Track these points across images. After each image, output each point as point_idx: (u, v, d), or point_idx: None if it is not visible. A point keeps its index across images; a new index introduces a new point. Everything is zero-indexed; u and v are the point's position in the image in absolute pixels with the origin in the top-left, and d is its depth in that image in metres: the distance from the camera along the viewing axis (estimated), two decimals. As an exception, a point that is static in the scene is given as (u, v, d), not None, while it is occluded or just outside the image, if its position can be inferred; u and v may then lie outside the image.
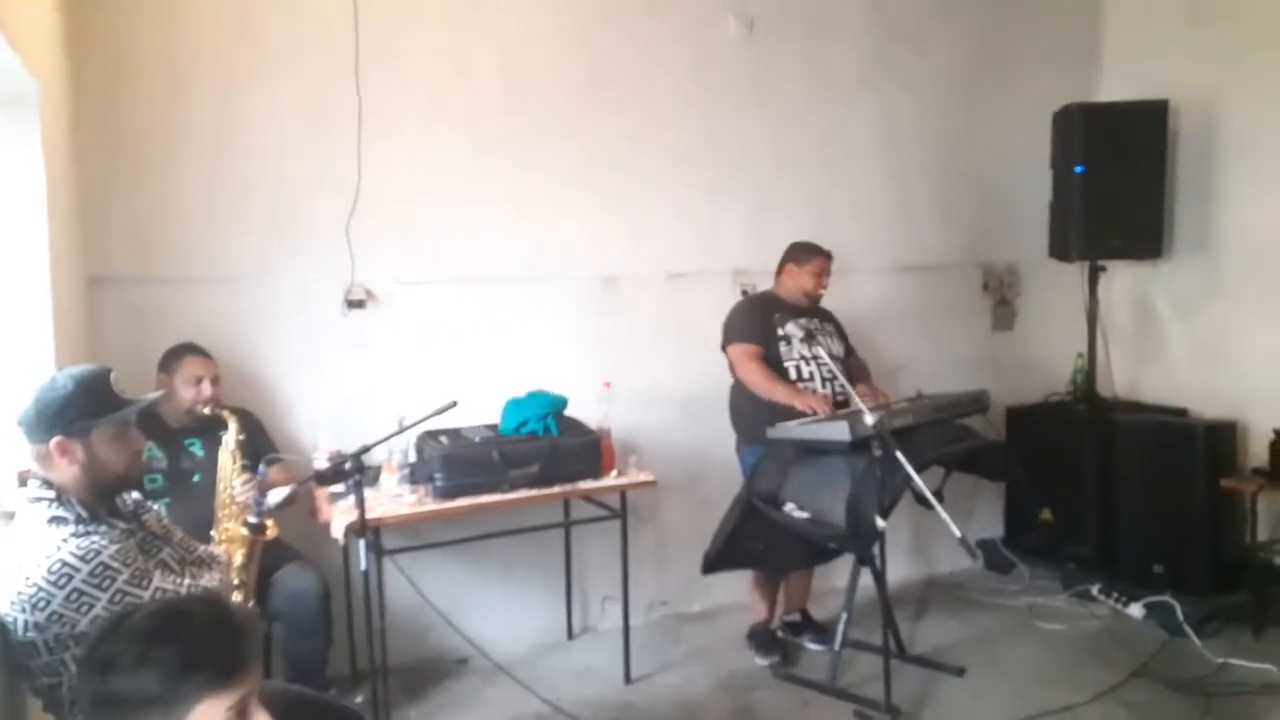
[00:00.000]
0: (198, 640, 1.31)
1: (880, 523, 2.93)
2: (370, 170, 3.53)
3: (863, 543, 3.16)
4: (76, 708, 1.76)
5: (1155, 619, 3.86)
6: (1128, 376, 4.73)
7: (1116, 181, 4.28)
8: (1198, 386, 4.43)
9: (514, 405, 3.47)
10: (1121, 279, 4.69)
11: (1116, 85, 4.73)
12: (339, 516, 3.04)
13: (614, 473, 3.49)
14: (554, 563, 3.91)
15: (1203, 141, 4.44)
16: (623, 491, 3.48)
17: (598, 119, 3.95)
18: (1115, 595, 4.05)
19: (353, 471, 2.76)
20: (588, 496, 3.51)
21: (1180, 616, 3.76)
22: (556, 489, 3.36)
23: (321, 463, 3.18)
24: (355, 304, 3.58)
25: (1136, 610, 3.95)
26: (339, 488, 3.12)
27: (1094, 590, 4.14)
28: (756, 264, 4.06)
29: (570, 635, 3.97)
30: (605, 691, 3.48)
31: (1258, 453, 3.93)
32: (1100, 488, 4.26)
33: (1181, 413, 4.38)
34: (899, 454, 2.77)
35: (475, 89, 3.74)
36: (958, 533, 2.64)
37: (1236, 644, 3.65)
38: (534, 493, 3.32)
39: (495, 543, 3.48)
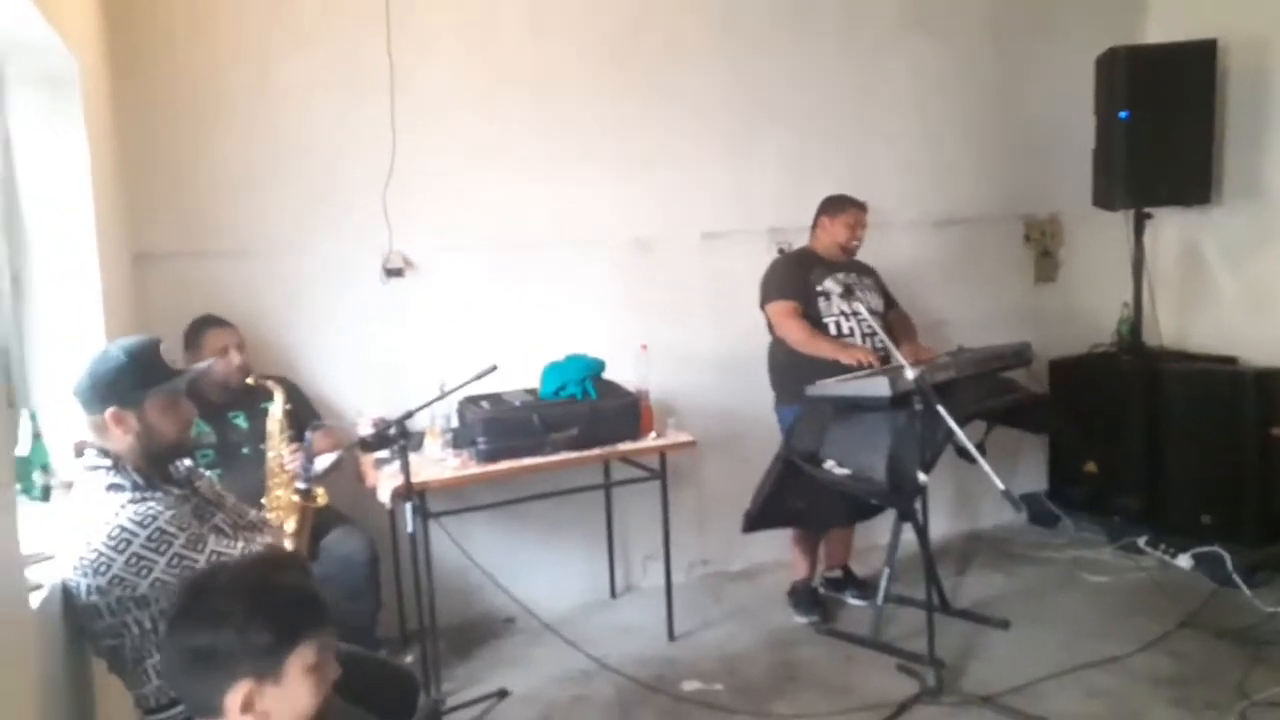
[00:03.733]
0: (296, 589, 1.40)
1: (922, 478, 2.92)
2: (404, 139, 3.55)
3: (904, 498, 3.16)
4: (153, 668, 1.83)
5: (1204, 569, 3.82)
6: (1175, 326, 4.64)
7: (1163, 126, 4.17)
8: (1248, 334, 4.33)
9: (552, 369, 3.50)
10: (1168, 226, 4.58)
11: (1163, 26, 4.59)
12: (384, 481, 3.10)
13: (653, 434, 3.51)
14: (596, 523, 3.95)
15: (1253, 83, 4.31)
16: (662, 452, 3.50)
17: (628, 80, 3.92)
18: (1162, 547, 4.01)
19: (397, 437, 2.81)
20: (627, 458, 3.54)
21: (1229, 566, 3.71)
22: (596, 451, 3.40)
23: (366, 429, 3.24)
24: (394, 272, 3.62)
25: (1184, 561, 3.91)
26: (384, 453, 3.19)
27: (1140, 542, 4.10)
28: (791, 221, 4.02)
29: (613, 594, 4.02)
30: (649, 648, 3.53)
31: (1311, 400, 3.85)
32: (1146, 439, 4.19)
33: (1231, 361, 4.29)
34: (940, 408, 2.75)
35: (504, 53, 3.73)
36: (1000, 485, 2.63)
37: (1288, 593, 3.61)
38: (574, 455, 3.36)
39: (538, 504, 3.53)
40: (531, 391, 3.51)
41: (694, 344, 4.03)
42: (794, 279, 3.59)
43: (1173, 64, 4.21)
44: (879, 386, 3.00)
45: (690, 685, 3.24)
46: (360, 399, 3.52)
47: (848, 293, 3.43)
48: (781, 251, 4.03)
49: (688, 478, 4.05)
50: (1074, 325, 4.68)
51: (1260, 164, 4.32)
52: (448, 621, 3.47)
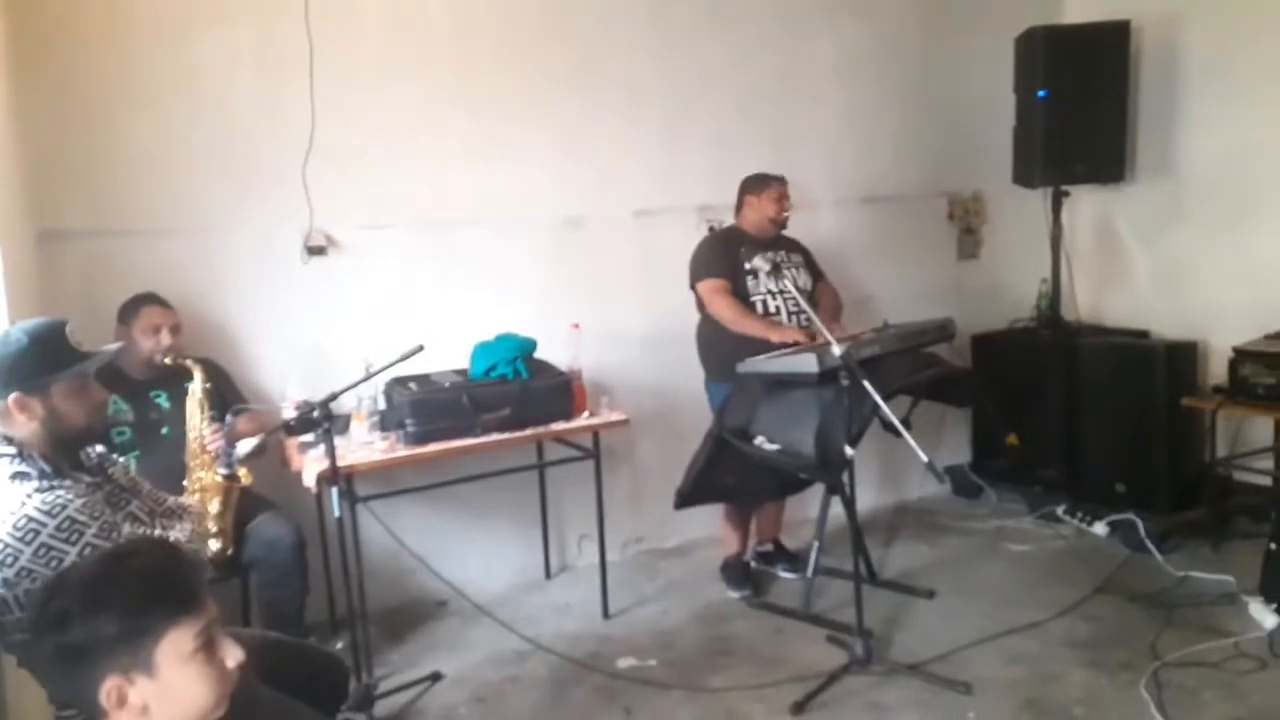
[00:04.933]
0: (146, 575, 1.32)
1: (849, 451, 2.96)
2: (324, 116, 3.45)
3: (832, 472, 3.21)
4: (37, 672, 1.76)
5: (1118, 536, 3.97)
6: (1091, 300, 4.79)
7: (1079, 105, 4.27)
8: (1160, 308, 4.50)
9: (482, 349, 3.46)
10: (1085, 204, 4.70)
11: (1080, 6, 4.69)
12: (310, 465, 3.04)
13: (586, 413, 3.50)
14: (530, 504, 3.94)
15: (1165, 63, 4.44)
16: (595, 432, 3.50)
17: (558, 58, 3.88)
18: (1080, 515, 4.15)
19: (321, 420, 2.75)
20: (560, 438, 3.53)
21: (1142, 533, 3.85)
22: (528, 431, 3.38)
23: (289, 412, 3.16)
24: (316, 250, 3.53)
25: (1100, 529, 4.05)
26: (308, 437, 3.12)
27: (1059, 511, 4.24)
28: (721, 199, 4.01)
29: (548, 575, 4.02)
30: (584, 626, 3.54)
31: (1217, 371, 4.00)
32: (1065, 411, 4.33)
33: (1144, 334, 4.46)
34: (866, 383, 2.79)
35: (429, 31, 3.66)
36: (924, 457, 2.68)
37: (1196, 557, 3.75)
38: (506, 436, 3.33)
39: (471, 486, 3.49)
40: (461, 372, 3.47)
41: (626, 322, 4.02)
42: (722, 257, 3.61)
43: (1089, 44, 4.32)
44: (807, 363, 3.02)
45: (624, 662, 3.25)
46: (284, 381, 3.43)
47: (775, 271, 3.46)
48: (712, 229, 4.04)
49: (621, 456, 4.05)
50: (995, 301, 4.79)
51: (1171, 142, 4.46)
52: (379, 605, 3.42)
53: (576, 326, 3.63)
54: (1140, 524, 3.88)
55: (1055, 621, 3.35)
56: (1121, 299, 4.72)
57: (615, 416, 3.54)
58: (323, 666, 2.27)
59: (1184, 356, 4.12)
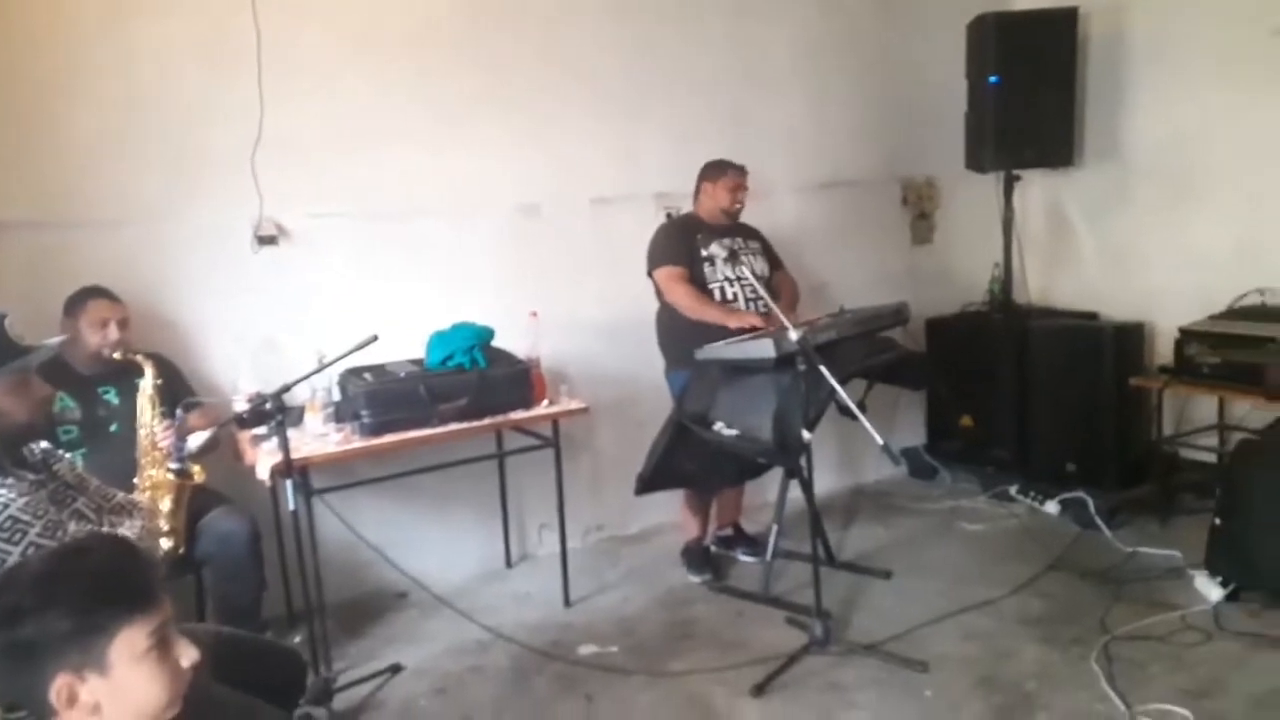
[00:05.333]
0: (100, 572, 1.30)
1: (806, 435, 2.99)
2: (273, 104, 3.38)
3: (790, 455, 3.23)
4: None
5: (1069, 514, 4.06)
6: (1042, 283, 4.87)
7: (1029, 91, 4.33)
8: (1107, 290, 4.59)
9: (438, 338, 3.43)
10: (1035, 188, 4.77)
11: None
12: (263, 458, 2.99)
13: (545, 402, 3.49)
14: (489, 494, 3.92)
15: (1112, 49, 4.51)
16: (555, 420, 3.49)
17: (512, 44, 3.84)
18: (1032, 494, 4.24)
19: (274, 412, 2.71)
20: (519, 427, 3.51)
21: (1092, 511, 3.94)
22: (487, 421, 3.35)
23: (241, 405, 3.11)
24: (266, 240, 3.47)
25: (1052, 507, 4.14)
26: (261, 429, 3.07)
27: (1012, 491, 4.32)
28: (679, 186, 4.03)
29: (509, 564, 4.01)
30: (545, 615, 3.54)
31: (1164, 351, 4.09)
32: (1017, 392, 4.41)
33: (1093, 316, 4.54)
34: (823, 368, 2.81)
35: (380, 17, 3.59)
36: (880, 440, 2.71)
37: (1144, 533, 3.85)
38: (463, 426, 3.30)
39: (429, 477, 3.46)
40: (417, 362, 3.44)
41: (585, 310, 4.01)
42: (679, 245, 3.61)
43: (1038, 30, 4.37)
44: (764, 349, 3.04)
45: (586, 649, 3.26)
46: (236, 373, 3.38)
47: (732, 257, 3.46)
48: (669, 216, 4.04)
49: (581, 444, 4.04)
50: (948, 285, 4.86)
51: (1118, 127, 4.54)
52: (337, 598, 3.39)
53: (534, 314, 3.61)
54: (1090, 502, 3.97)
55: (1009, 599, 3.42)
56: (1071, 281, 4.80)
57: (575, 405, 3.53)
58: (280, 661, 2.24)
59: (1131, 337, 4.21)
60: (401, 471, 3.35)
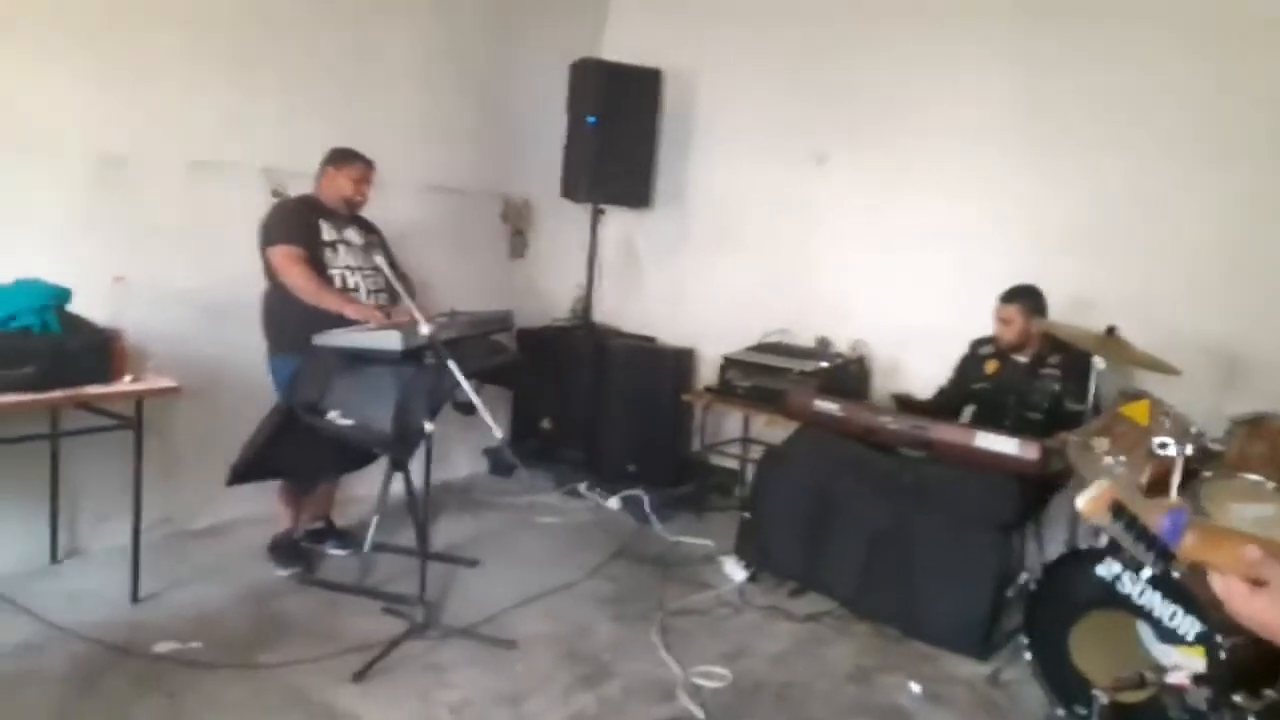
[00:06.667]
0: None
1: (428, 425, 3.10)
2: None
3: (407, 448, 3.31)
4: None
5: (629, 509, 4.62)
6: (614, 306, 5.47)
7: (620, 135, 4.90)
8: (665, 318, 5.30)
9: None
10: (615, 222, 5.37)
11: (616, 47, 5.30)
12: None
13: (128, 377, 3.16)
14: (34, 479, 3.42)
15: (684, 109, 5.27)
16: (139, 399, 3.18)
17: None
18: (598, 491, 4.75)
19: None
20: (93, 404, 3.14)
21: (647, 506, 4.54)
22: (58, 393, 2.97)
23: None
24: None
25: (615, 502, 4.69)
26: None
27: (581, 488, 4.80)
28: (289, 163, 3.90)
29: (55, 559, 3.53)
30: (110, 613, 3.20)
31: (708, 374, 4.86)
32: (591, 401, 4.92)
33: (651, 340, 5.22)
34: (451, 363, 2.95)
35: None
36: (499, 434, 2.93)
37: (686, 526, 4.52)
38: (28, 397, 2.89)
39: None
40: (-33, 319, 2.93)
41: (177, 281, 3.69)
42: (301, 225, 3.50)
43: (632, 82, 4.97)
44: (391, 340, 3.10)
45: (164, 646, 3.02)
46: None
47: (354, 247, 3.45)
48: (276, 194, 3.88)
49: (153, 429, 3.67)
50: (538, 299, 5.26)
51: (684, 178, 5.30)
52: None
53: (120, 279, 3.27)
54: (646, 498, 4.57)
55: (584, 582, 3.82)
56: (636, 308, 5.46)
57: (164, 383, 3.25)
58: None
59: (685, 360, 4.95)
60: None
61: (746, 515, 4.01)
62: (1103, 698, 2.35)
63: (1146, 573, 2.64)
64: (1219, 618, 2.48)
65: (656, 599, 3.70)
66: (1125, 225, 3.89)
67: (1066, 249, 4.00)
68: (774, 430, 4.47)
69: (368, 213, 3.83)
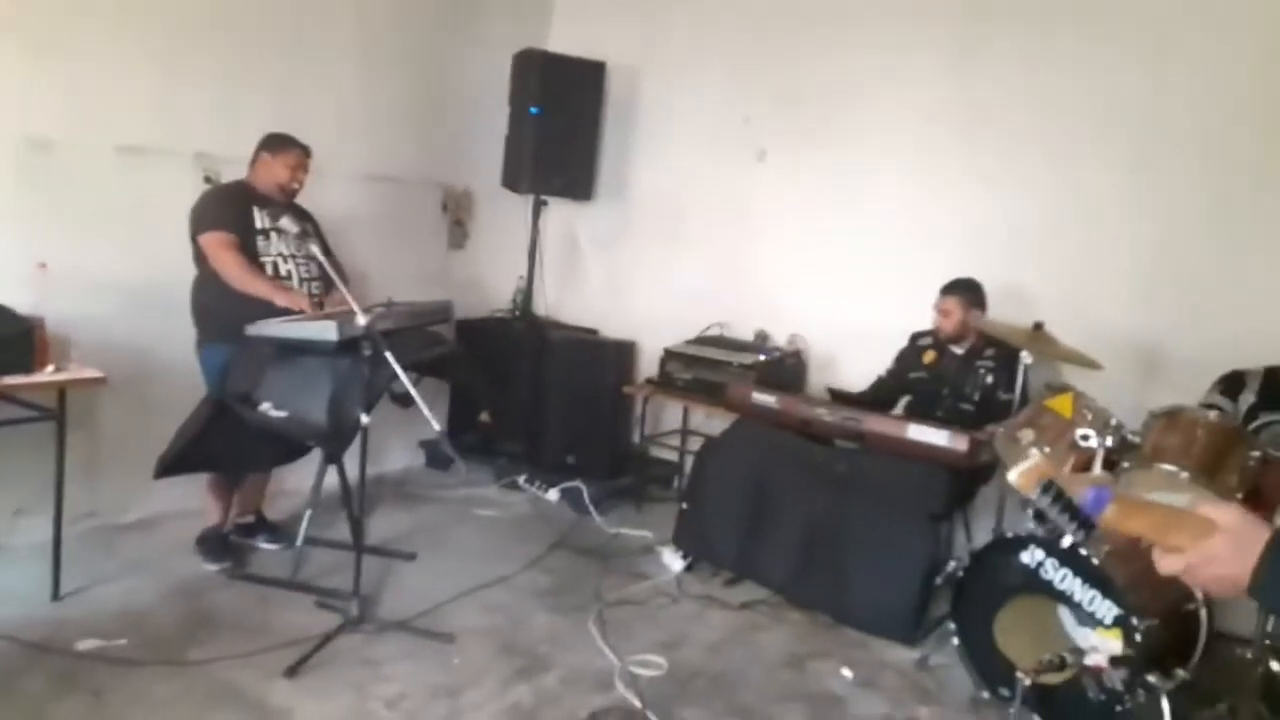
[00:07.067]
0: None
1: (364, 418, 3.06)
2: None
3: (342, 440, 3.26)
4: None
5: (568, 501, 4.62)
6: (555, 298, 5.43)
7: (564, 127, 4.88)
8: (606, 311, 5.31)
9: (-88, 280, 2.85)
10: (558, 214, 5.34)
11: (565, 39, 5.29)
12: None
13: (50, 368, 3.07)
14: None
15: (628, 103, 5.27)
16: (62, 390, 3.09)
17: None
18: (537, 483, 4.74)
19: None
20: (13, 395, 3.04)
21: (586, 498, 4.54)
22: (-25, 383, 2.87)
23: None
24: None
25: (554, 495, 4.68)
26: None
27: (520, 480, 4.78)
28: (222, 149, 3.81)
29: (-33, 555, 3.41)
30: (28, 610, 3.10)
31: (649, 367, 4.87)
32: (531, 393, 4.90)
33: (593, 332, 5.22)
34: (389, 355, 2.92)
35: None
36: (437, 426, 2.91)
37: (624, 517, 4.55)
38: (-58, 387, 2.79)
39: None
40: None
41: (103, 270, 3.59)
42: (233, 212, 3.43)
43: (575, 75, 4.95)
44: (326, 330, 3.05)
45: (88, 644, 2.94)
46: None
47: (287, 235, 3.39)
48: (209, 181, 3.80)
49: (77, 420, 3.57)
50: (478, 290, 5.22)
51: (628, 173, 5.31)
52: None
53: (43, 266, 3.17)
54: (585, 490, 4.57)
55: (521, 575, 3.81)
56: (577, 300, 5.45)
57: (90, 374, 3.16)
58: None
59: (626, 353, 4.96)
60: None
61: (685, 506, 4.04)
62: (1026, 680, 2.43)
63: (1067, 541, 2.73)
64: (1134, 601, 2.58)
65: (594, 590, 3.71)
66: (1058, 225, 4.01)
67: (1002, 248, 4.10)
68: (713, 422, 4.52)
69: (304, 200, 3.76)
